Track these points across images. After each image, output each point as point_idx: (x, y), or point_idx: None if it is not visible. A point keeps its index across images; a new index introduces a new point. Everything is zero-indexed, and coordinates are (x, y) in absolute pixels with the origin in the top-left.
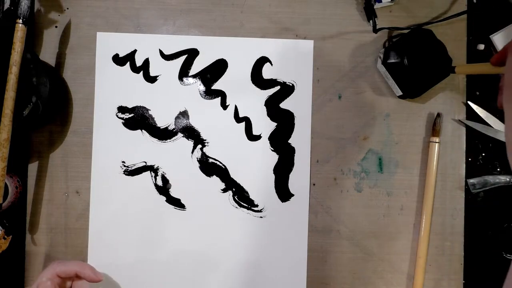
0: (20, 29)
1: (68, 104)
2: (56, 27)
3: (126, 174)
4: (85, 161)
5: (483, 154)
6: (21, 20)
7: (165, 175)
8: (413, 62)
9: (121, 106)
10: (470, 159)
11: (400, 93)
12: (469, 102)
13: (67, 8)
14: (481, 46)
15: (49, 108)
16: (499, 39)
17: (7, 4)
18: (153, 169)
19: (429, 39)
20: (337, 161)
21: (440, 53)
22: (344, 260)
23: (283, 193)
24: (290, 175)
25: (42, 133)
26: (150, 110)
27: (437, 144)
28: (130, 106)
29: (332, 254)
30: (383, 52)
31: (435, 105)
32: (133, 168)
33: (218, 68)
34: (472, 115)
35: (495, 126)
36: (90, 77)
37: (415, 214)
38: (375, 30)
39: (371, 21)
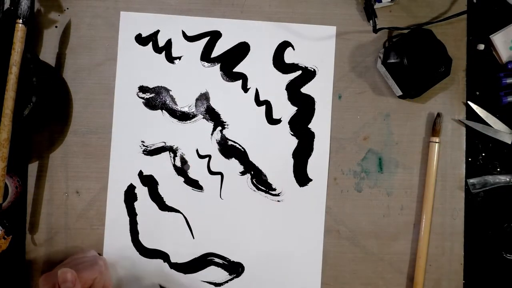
0: (20, 29)
1: (68, 104)
2: (56, 27)
3: (145, 154)
4: (85, 161)
5: (483, 154)
6: (21, 20)
7: (184, 156)
8: (413, 62)
9: (142, 86)
10: (470, 159)
11: (400, 93)
12: (469, 102)
13: (67, 8)
14: (481, 46)
15: (49, 108)
16: (499, 39)
17: (7, 4)
18: (172, 150)
19: (429, 39)
20: (337, 161)
21: (440, 53)
22: (344, 260)
23: (302, 177)
24: (309, 160)
25: (42, 133)
26: (171, 90)
27: (437, 144)
28: (151, 86)
29: (332, 254)
30: (383, 52)
31: (435, 105)
32: (152, 148)
33: (240, 51)
34: (472, 115)
35: (495, 126)
36: (90, 77)
37: (415, 214)
38: (375, 30)
39: (371, 21)
